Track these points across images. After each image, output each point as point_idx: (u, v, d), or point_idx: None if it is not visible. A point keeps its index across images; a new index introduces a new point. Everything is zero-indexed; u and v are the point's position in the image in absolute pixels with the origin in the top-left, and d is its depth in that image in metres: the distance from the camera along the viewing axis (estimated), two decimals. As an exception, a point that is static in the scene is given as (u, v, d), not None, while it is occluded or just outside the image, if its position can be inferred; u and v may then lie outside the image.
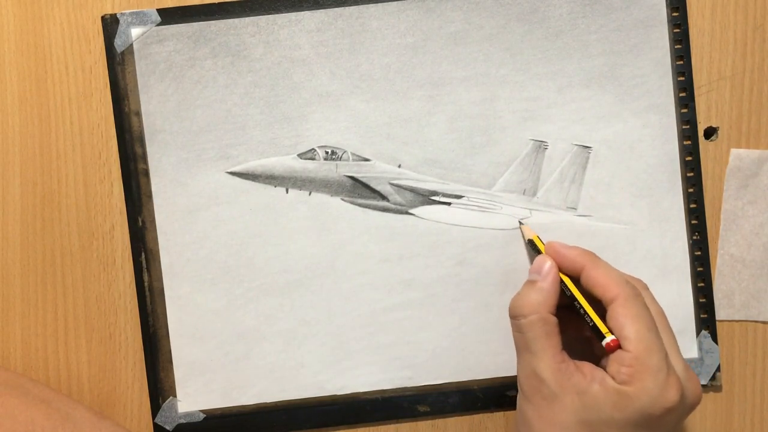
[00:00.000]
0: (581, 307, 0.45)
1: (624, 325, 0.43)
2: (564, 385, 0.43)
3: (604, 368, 0.44)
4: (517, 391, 0.52)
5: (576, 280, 0.46)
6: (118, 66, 0.51)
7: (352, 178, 0.52)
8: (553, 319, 0.44)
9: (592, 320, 0.45)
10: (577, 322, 0.46)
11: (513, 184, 0.52)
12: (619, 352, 0.43)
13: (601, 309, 0.45)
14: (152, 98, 0.51)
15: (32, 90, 0.51)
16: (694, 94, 0.52)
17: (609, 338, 0.43)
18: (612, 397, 0.42)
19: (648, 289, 0.47)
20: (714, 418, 0.53)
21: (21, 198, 0.52)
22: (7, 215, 0.52)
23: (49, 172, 0.52)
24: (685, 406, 0.43)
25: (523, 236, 0.51)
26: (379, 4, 0.51)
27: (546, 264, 0.46)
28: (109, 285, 0.52)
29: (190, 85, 0.51)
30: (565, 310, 0.46)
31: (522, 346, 0.45)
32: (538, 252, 0.48)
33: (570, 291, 0.46)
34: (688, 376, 0.44)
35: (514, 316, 0.45)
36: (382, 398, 0.52)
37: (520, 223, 0.51)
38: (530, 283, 0.46)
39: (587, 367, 0.44)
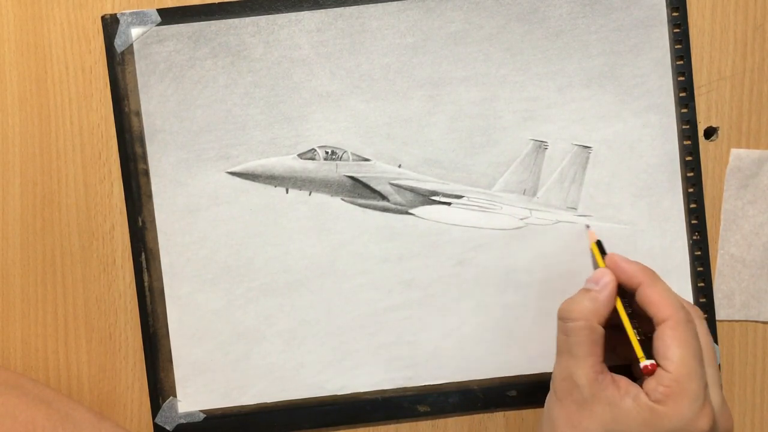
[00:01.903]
0: (624, 326, 0.46)
1: (670, 347, 0.43)
2: (597, 395, 0.43)
3: (641, 385, 0.44)
4: (516, 390, 0.52)
5: (632, 296, 0.46)
6: (118, 66, 0.51)
7: (352, 178, 0.52)
8: (600, 330, 0.45)
9: (630, 341, 0.45)
10: (625, 342, 0.46)
11: (513, 184, 0.52)
12: (659, 371, 0.43)
13: (653, 328, 0.45)
14: (152, 98, 0.51)
15: (32, 90, 0.51)
16: (694, 94, 0.52)
17: (646, 362, 0.44)
18: (643, 414, 0.42)
19: (703, 319, 0.47)
20: (714, 418, 0.53)
21: (21, 198, 0.52)
22: (7, 215, 0.52)
23: (49, 172, 0.52)
24: None
25: (588, 240, 0.51)
26: (379, 4, 0.51)
27: (605, 277, 0.46)
28: (109, 285, 0.52)
29: (190, 85, 0.51)
30: (619, 328, 0.46)
31: (564, 348, 0.45)
32: (600, 257, 0.49)
33: (617, 309, 0.46)
34: (722, 411, 0.44)
35: (563, 318, 0.45)
36: (382, 398, 0.52)
37: (587, 226, 0.51)
38: (585, 290, 0.46)
39: (623, 381, 0.44)
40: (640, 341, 0.45)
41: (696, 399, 0.42)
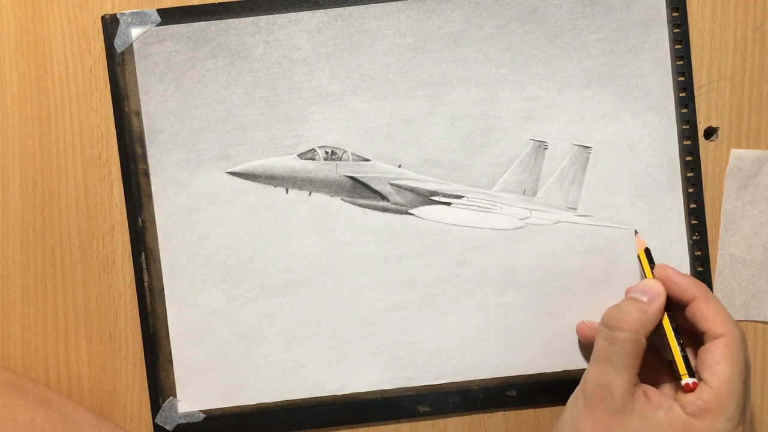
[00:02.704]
0: (668, 341, 0.46)
1: (719, 363, 0.43)
2: (629, 406, 0.43)
3: (671, 396, 0.44)
4: (516, 390, 0.52)
5: (675, 309, 0.46)
6: (118, 66, 0.51)
7: (352, 178, 0.52)
8: (644, 343, 0.45)
9: (674, 356, 0.46)
10: (653, 352, 0.46)
11: (513, 184, 0.52)
12: (700, 384, 0.43)
13: (694, 342, 0.45)
14: (152, 98, 0.51)
15: (32, 90, 0.51)
16: (694, 94, 0.52)
17: (690, 380, 0.44)
18: (677, 427, 0.42)
19: (746, 340, 0.47)
20: (714, 418, 0.53)
21: (21, 198, 0.52)
22: (7, 215, 0.52)
23: (49, 172, 0.52)
24: None
25: (636, 248, 0.51)
26: (379, 4, 0.51)
27: (656, 288, 0.46)
28: (109, 285, 0.52)
29: (190, 85, 0.51)
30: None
31: (605, 356, 0.45)
32: (648, 266, 0.49)
33: (663, 325, 0.46)
34: None
35: (610, 326, 0.45)
36: (382, 398, 0.52)
37: (636, 232, 0.51)
38: (634, 301, 0.46)
39: (654, 392, 0.44)
40: (684, 358, 0.45)
41: (732, 418, 0.42)
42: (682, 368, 0.45)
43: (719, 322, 0.44)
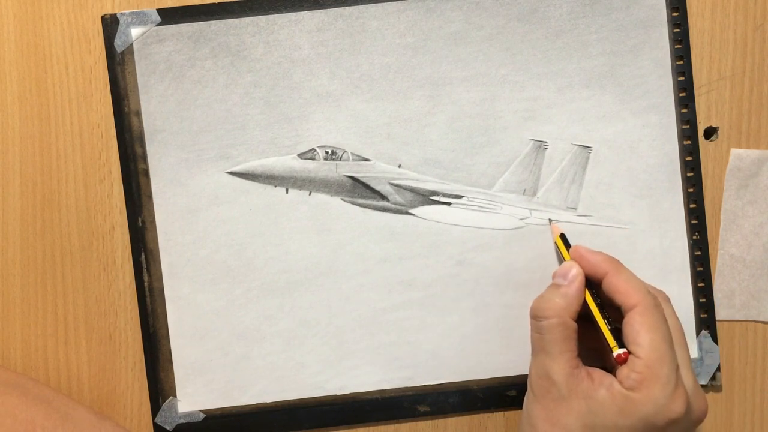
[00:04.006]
0: (595, 318, 0.46)
1: (639, 332, 0.43)
2: (573, 389, 0.44)
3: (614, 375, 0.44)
4: (516, 390, 0.52)
5: (598, 286, 0.46)
6: (118, 66, 0.51)
7: (352, 178, 0.52)
8: (573, 325, 0.45)
9: (601, 331, 0.45)
10: (595, 331, 0.46)
11: (513, 184, 0.52)
12: (630, 358, 0.43)
13: (621, 316, 0.45)
14: (152, 98, 0.51)
15: (32, 90, 0.51)
16: (694, 94, 0.52)
17: (619, 351, 0.44)
18: (618, 402, 0.43)
19: (670, 302, 0.47)
20: (714, 418, 0.53)
21: (21, 198, 0.52)
22: (7, 215, 0.52)
23: (49, 172, 0.52)
24: (689, 421, 0.44)
25: (552, 234, 0.51)
26: (379, 4, 0.51)
27: (572, 270, 0.46)
28: (109, 285, 0.52)
29: (190, 85, 0.51)
30: (587, 318, 0.46)
31: (539, 346, 0.45)
32: (565, 250, 0.49)
33: (587, 303, 0.46)
34: (696, 392, 0.45)
35: (536, 317, 0.46)
36: (382, 398, 0.52)
37: (550, 221, 0.51)
38: (555, 286, 0.46)
39: (597, 372, 0.44)
40: (611, 330, 0.45)
41: (668, 382, 0.42)
42: (611, 341, 0.45)
43: (630, 293, 0.44)
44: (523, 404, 0.47)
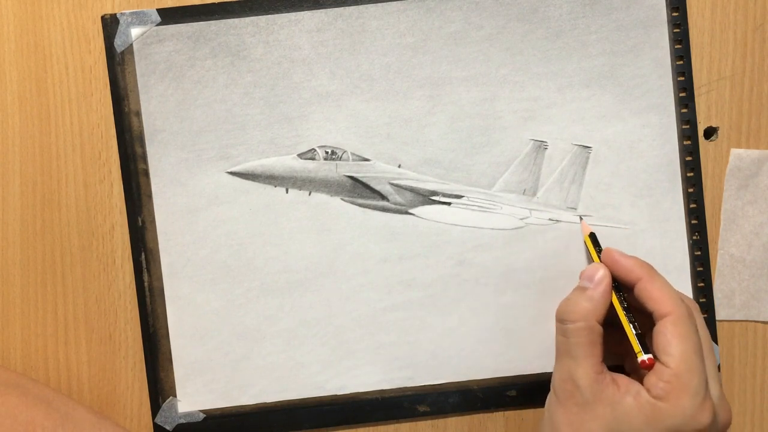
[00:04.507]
0: (621, 322, 0.46)
1: (671, 342, 0.43)
2: (598, 395, 0.43)
3: (641, 381, 0.44)
4: (516, 390, 0.52)
5: (629, 291, 0.46)
6: (118, 66, 0.51)
7: (352, 178, 0.52)
8: (599, 329, 0.45)
9: (627, 336, 0.45)
10: (619, 335, 0.46)
11: (513, 184, 0.52)
12: (659, 366, 0.43)
13: (649, 322, 0.45)
14: (152, 98, 0.51)
15: (32, 90, 0.51)
16: (694, 94, 0.52)
17: (645, 356, 0.44)
18: (645, 411, 0.42)
19: (700, 312, 0.47)
20: (714, 418, 0.53)
21: (21, 198, 0.52)
22: (7, 215, 0.52)
23: (49, 172, 0.52)
24: (714, 431, 0.44)
25: (582, 233, 0.51)
26: (379, 4, 0.51)
27: (599, 273, 0.46)
28: (109, 285, 0.52)
29: (190, 85, 0.51)
30: (610, 321, 0.46)
31: (564, 350, 0.45)
32: (594, 251, 0.48)
33: (613, 306, 0.46)
34: (721, 402, 0.44)
35: (562, 320, 0.45)
36: (382, 398, 0.52)
37: (581, 218, 0.51)
38: (581, 289, 0.46)
39: (623, 379, 0.44)
40: (637, 336, 0.45)
41: (697, 394, 0.42)
42: (636, 346, 0.44)
43: (664, 301, 0.44)
44: (545, 406, 0.47)
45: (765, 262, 0.53)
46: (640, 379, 0.44)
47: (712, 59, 0.52)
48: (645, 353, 0.44)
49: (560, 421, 0.44)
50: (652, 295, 0.44)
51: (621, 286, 0.46)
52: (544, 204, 0.52)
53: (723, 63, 0.52)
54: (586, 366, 0.44)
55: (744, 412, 0.53)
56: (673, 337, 0.43)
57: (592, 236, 0.49)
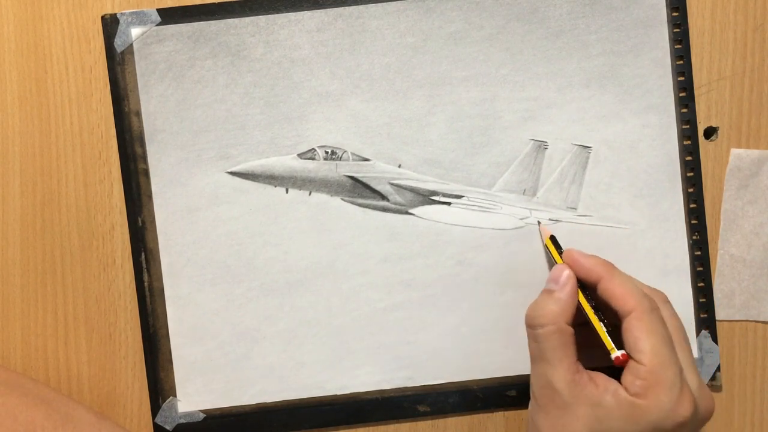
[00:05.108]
0: (591, 321, 0.46)
1: (639, 338, 0.43)
2: (577, 396, 0.43)
3: (618, 378, 0.44)
4: (516, 390, 0.52)
5: (593, 288, 0.46)
6: (118, 66, 0.51)
7: (352, 178, 0.52)
8: (570, 330, 0.44)
9: (599, 334, 0.45)
10: (592, 333, 0.46)
11: (513, 184, 0.52)
12: (633, 364, 0.43)
13: (619, 318, 0.45)
14: (152, 98, 0.51)
15: (32, 90, 0.51)
16: (694, 94, 0.52)
17: (618, 353, 0.44)
18: (625, 410, 0.42)
19: (668, 302, 0.47)
20: (714, 418, 0.53)
21: (21, 198, 0.52)
22: (7, 215, 0.52)
23: (49, 172, 0.52)
24: (696, 421, 0.44)
25: (541, 237, 0.51)
26: (379, 4, 0.51)
27: (564, 274, 0.46)
28: (109, 285, 0.52)
29: (190, 85, 0.51)
30: (582, 320, 0.46)
31: (537, 355, 0.45)
32: (556, 253, 0.48)
33: (582, 307, 0.46)
34: (701, 391, 0.44)
35: (531, 326, 0.45)
36: (382, 398, 0.52)
37: (539, 223, 0.51)
38: (548, 292, 0.46)
39: (601, 378, 0.44)
40: (608, 332, 0.45)
41: (673, 387, 0.42)
42: (608, 344, 0.44)
43: (626, 298, 0.44)
44: (528, 413, 0.47)
45: (765, 262, 0.53)
46: (619, 376, 0.44)
47: (712, 59, 0.52)
48: (618, 349, 0.44)
49: (543, 426, 0.44)
50: (614, 294, 0.44)
51: (586, 287, 0.46)
52: (544, 204, 0.52)
53: (723, 63, 0.52)
54: (562, 369, 0.43)
55: (744, 412, 0.53)
56: (641, 333, 0.43)
57: (553, 239, 0.49)
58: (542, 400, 0.44)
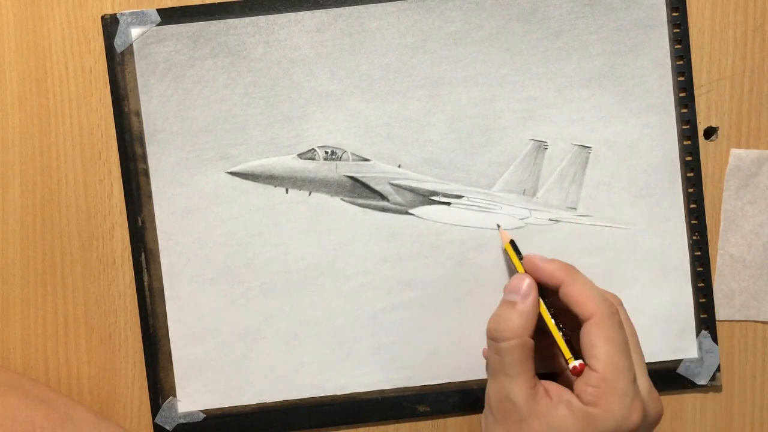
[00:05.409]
0: (550, 330, 0.46)
1: (595, 344, 0.43)
2: (533, 410, 0.43)
3: (570, 385, 0.44)
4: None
5: (554, 295, 0.46)
6: (118, 66, 0.51)
7: (352, 178, 0.52)
8: (531, 343, 0.44)
9: (557, 343, 0.45)
10: (546, 340, 0.46)
11: (513, 184, 0.52)
12: (587, 371, 0.43)
13: (577, 323, 0.45)
14: (152, 98, 0.51)
15: (32, 90, 0.51)
16: (694, 94, 0.52)
17: (575, 362, 0.44)
18: (578, 419, 0.42)
19: (622, 305, 0.47)
20: (714, 418, 0.53)
21: (21, 198, 0.52)
22: (7, 215, 0.52)
23: (49, 172, 0.52)
24: (647, 425, 0.44)
25: (501, 242, 0.51)
26: (379, 4, 0.51)
27: (524, 284, 0.45)
28: (109, 285, 0.52)
29: (190, 85, 0.51)
30: (538, 326, 0.46)
31: (498, 369, 0.44)
32: (516, 259, 0.48)
33: (541, 314, 0.46)
34: (651, 396, 0.44)
35: (495, 338, 0.45)
36: (382, 398, 0.52)
37: (498, 226, 0.51)
38: (509, 303, 0.45)
39: (554, 388, 0.44)
40: (566, 342, 0.45)
41: (625, 395, 0.42)
42: (567, 353, 0.44)
43: (587, 303, 0.44)
44: (481, 422, 0.47)
45: (765, 262, 0.53)
46: (570, 383, 0.44)
47: (712, 59, 0.52)
48: (576, 359, 0.44)
49: None
50: (575, 299, 0.44)
51: (546, 291, 0.46)
52: (544, 204, 0.52)
53: (723, 63, 0.52)
54: (521, 382, 0.43)
55: (744, 412, 0.53)
56: (598, 339, 0.43)
57: (512, 244, 0.49)
58: (500, 413, 0.44)
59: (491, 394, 0.45)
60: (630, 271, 0.52)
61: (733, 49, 0.52)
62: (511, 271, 0.50)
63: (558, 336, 0.45)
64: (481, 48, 0.51)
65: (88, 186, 0.52)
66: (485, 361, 0.47)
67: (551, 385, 0.44)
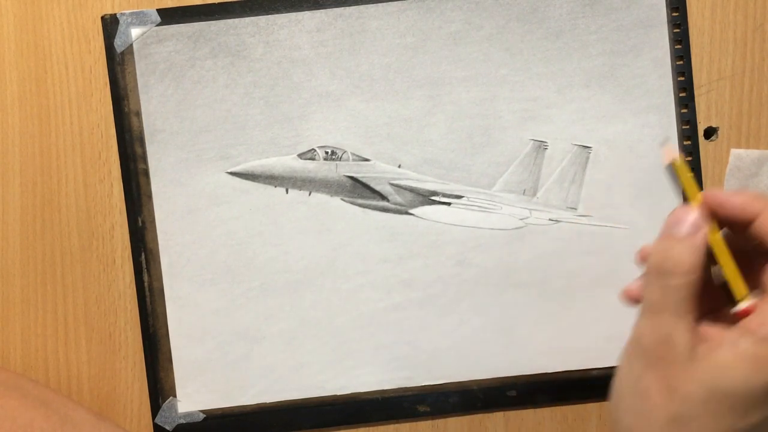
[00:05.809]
0: (723, 266, 0.40)
1: None
2: (695, 353, 0.38)
3: (731, 327, 0.39)
4: (516, 390, 0.52)
5: (739, 228, 0.40)
6: (118, 66, 0.51)
7: (352, 178, 0.52)
8: (699, 281, 0.39)
9: (729, 280, 0.40)
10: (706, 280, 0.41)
11: (513, 184, 0.52)
12: (763, 306, 0.38)
13: (748, 264, 0.40)
14: (152, 98, 0.51)
15: (32, 90, 0.51)
16: (694, 94, 0.52)
17: (750, 302, 0.39)
18: (747, 360, 0.37)
19: None
20: (714, 418, 0.53)
21: (21, 198, 0.52)
22: (7, 215, 0.52)
23: (49, 172, 0.52)
24: None
25: (665, 159, 0.42)
26: (379, 4, 0.51)
27: (695, 216, 0.40)
28: (109, 285, 0.52)
29: (190, 85, 0.51)
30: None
31: (662, 306, 0.39)
32: (694, 185, 0.41)
33: (714, 249, 0.40)
34: None
35: (663, 274, 0.39)
36: (382, 398, 0.52)
37: (663, 142, 0.46)
38: (678, 237, 0.40)
39: (713, 329, 0.40)
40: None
41: None
42: (740, 290, 0.39)
43: None
44: (618, 373, 0.41)
45: (765, 262, 0.53)
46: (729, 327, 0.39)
47: (712, 59, 0.52)
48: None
49: (650, 386, 0.39)
50: None
51: (725, 225, 0.41)
52: (544, 204, 0.52)
53: (723, 63, 0.52)
54: (686, 323, 0.38)
55: None
56: None
57: (677, 166, 0.42)
58: (654, 356, 0.39)
59: (646, 334, 0.39)
60: (630, 272, 0.52)
61: (733, 49, 0.52)
62: (680, 191, 0.43)
63: (735, 273, 0.40)
64: (481, 48, 0.51)
65: (88, 186, 0.52)
66: (636, 296, 0.42)
67: (710, 327, 0.40)
